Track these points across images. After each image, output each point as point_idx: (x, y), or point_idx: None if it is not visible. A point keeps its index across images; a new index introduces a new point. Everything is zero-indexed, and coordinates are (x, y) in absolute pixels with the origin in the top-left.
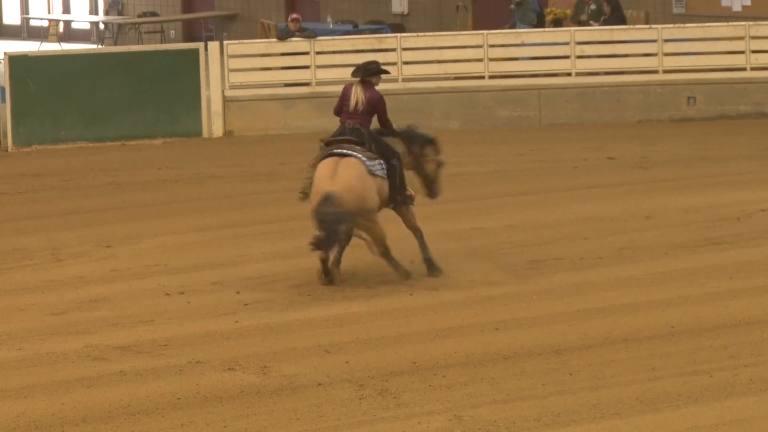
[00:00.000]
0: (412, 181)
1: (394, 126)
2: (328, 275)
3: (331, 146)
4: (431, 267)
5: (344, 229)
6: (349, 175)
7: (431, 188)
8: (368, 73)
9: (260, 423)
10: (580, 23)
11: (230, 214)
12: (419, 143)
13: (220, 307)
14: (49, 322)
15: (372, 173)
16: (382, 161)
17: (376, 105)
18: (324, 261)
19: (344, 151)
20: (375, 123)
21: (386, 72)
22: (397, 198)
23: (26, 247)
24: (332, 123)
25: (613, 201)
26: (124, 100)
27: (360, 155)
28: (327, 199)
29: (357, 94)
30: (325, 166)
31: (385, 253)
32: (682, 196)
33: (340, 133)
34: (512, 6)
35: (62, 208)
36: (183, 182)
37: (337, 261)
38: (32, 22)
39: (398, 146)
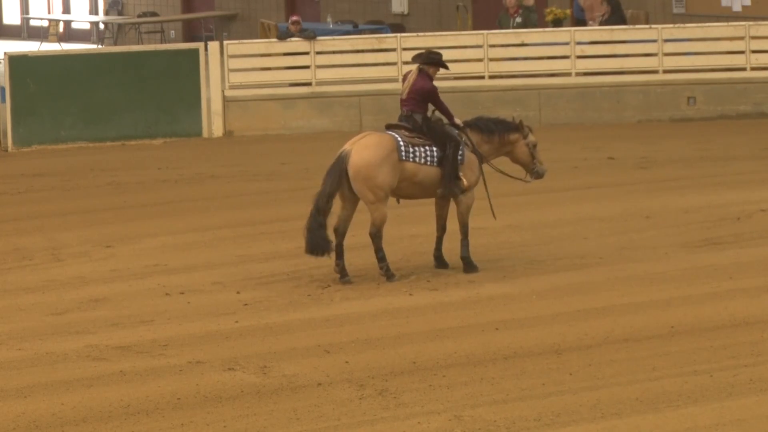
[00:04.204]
0: (511, 168)
1: (457, 120)
2: (341, 258)
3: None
4: (467, 265)
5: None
6: (371, 142)
7: (531, 171)
8: (425, 61)
9: (260, 423)
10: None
11: (230, 214)
12: (499, 132)
13: (220, 307)
14: (49, 322)
15: (404, 157)
16: (433, 149)
17: (425, 95)
18: (338, 253)
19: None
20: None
21: (445, 66)
22: (446, 185)
23: (26, 247)
24: (332, 122)
25: (613, 201)
26: (124, 100)
27: (399, 137)
28: (339, 157)
29: (408, 81)
30: (361, 134)
31: (377, 237)
32: (682, 196)
33: (398, 120)
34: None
35: (62, 208)
36: (183, 182)
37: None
38: (32, 22)
39: (474, 136)
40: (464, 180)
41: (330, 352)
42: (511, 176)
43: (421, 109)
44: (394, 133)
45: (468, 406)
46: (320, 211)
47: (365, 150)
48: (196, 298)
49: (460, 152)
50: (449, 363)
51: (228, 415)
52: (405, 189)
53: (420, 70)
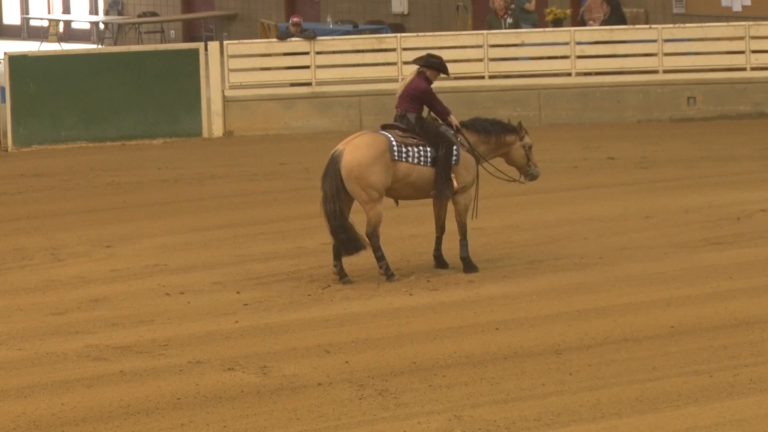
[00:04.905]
0: (505, 168)
1: (454, 119)
2: (339, 260)
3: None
4: (467, 265)
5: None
6: (363, 143)
7: (526, 173)
8: (424, 64)
9: (260, 423)
10: None
11: (230, 214)
12: (496, 133)
13: (220, 307)
14: (49, 322)
15: (397, 157)
16: (427, 149)
17: (419, 96)
18: (337, 254)
19: (382, 131)
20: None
21: (444, 71)
22: (437, 186)
23: (26, 247)
24: (332, 122)
25: (613, 201)
26: (124, 100)
27: (391, 137)
28: (332, 157)
29: (404, 81)
30: (354, 134)
31: (374, 237)
32: (682, 196)
33: (393, 119)
34: (512, 7)
35: (62, 208)
36: (183, 182)
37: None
38: (32, 22)
39: (471, 137)
40: (455, 182)
41: (330, 352)
42: (504, 178)
43: (415, 109)
44: (387, 133)
45: (468, 406)
46: (331, 214)
47: (357, 150)
48: (196, 298)
49: (455, 153)
50: (449, 363)
51: (228, 415)
52: (400, 190)
53: (419, 72)
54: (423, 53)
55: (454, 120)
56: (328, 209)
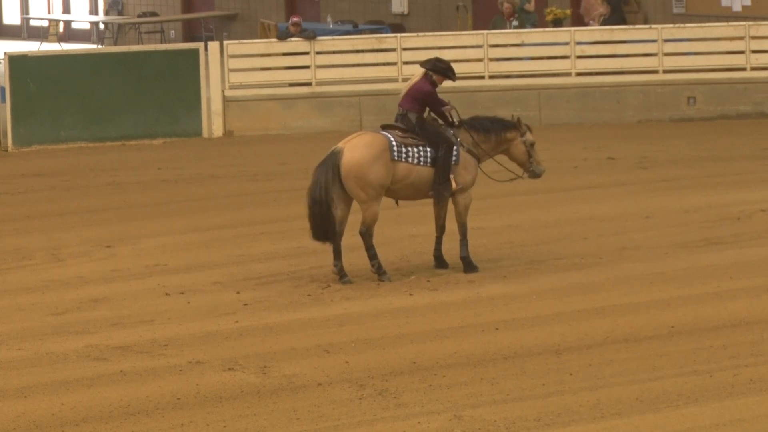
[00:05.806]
0: (509, 165)
1: (452, 117)
2: (339, 259)
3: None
4: (467, 265)
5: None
6: (362, 142)
7: (528, 170)
8: (431, 67)
9: (260, 423)
10: None
11: (230, 214)
12: (495, 130)
13: (220, 307)
14: (49, 322)
15: (396, 157)
16: (427, 149)
17: (422, 98)
18: (337, 254)
19: (382, 131)
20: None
21: (451, 77)
22: (434, 187)
23: (26, 247)
24: (332, 122)
25: (613, 201)
26: (124, 100)
27: (391, 137)
28: (332, 152)
29: (409, 81)
30: (354, 133)
31: (367, 235)
32: (682, 196)
33: (395, 119)
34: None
35: (62, 208)
36: (183, 182)
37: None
38: (32, 22)
39: (470, 135)
40: (453, 182)
41: (330, 352)
42: (503, 180)
43: (416, 110)
44: (386, 133)
45: (468, 406)
46: (318, 201)
47: (356, 149)
48: (196, 298)
49: (454, 153)
50: (449, 363)
51: (228, 415)
52: (399, 190)
53: (425, 74)
54: (423, 53)
55: (456, 116)
56: (315, 194)
